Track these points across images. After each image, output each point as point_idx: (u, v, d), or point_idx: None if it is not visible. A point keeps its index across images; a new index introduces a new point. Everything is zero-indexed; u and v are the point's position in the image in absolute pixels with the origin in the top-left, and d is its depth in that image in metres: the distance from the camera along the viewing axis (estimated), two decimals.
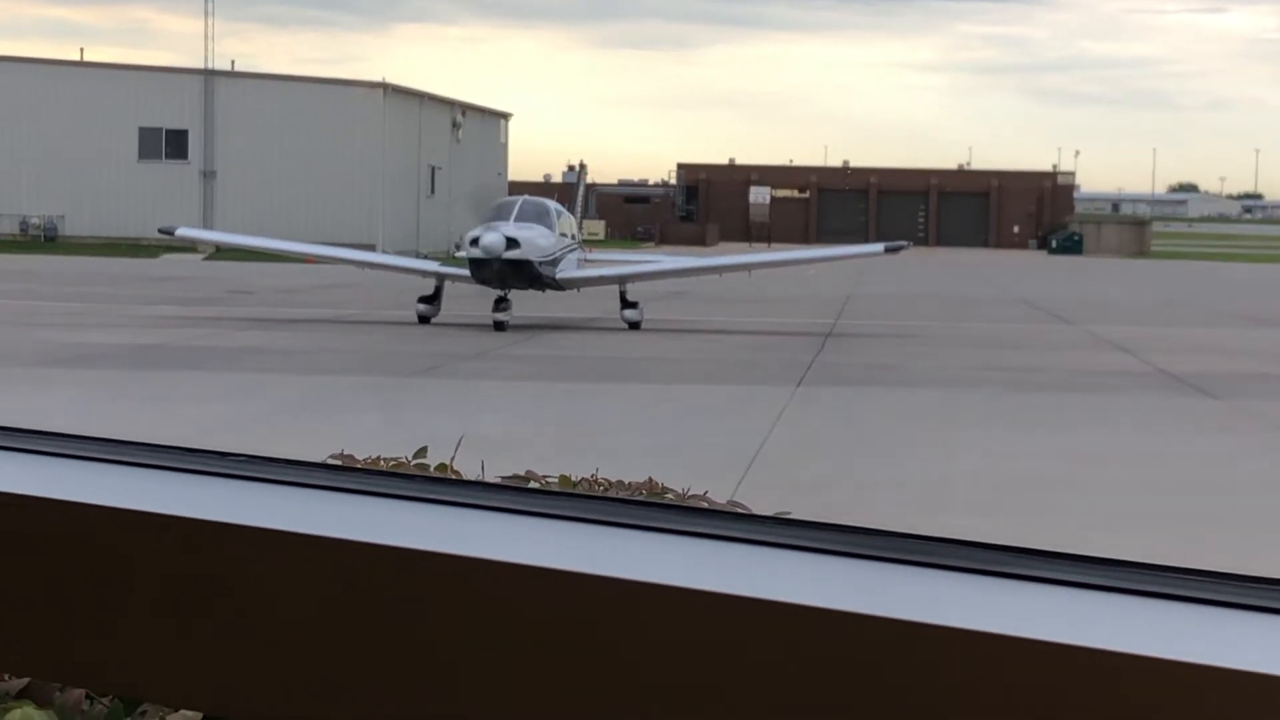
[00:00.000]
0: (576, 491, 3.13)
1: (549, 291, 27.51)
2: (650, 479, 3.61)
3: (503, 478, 3.45)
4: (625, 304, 26.72)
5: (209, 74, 62.41)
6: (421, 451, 3.75)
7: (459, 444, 3.78)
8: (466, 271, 26.76)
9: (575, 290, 28.24)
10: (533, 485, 3.32)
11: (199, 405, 16.21)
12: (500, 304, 25.75)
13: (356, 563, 1.14)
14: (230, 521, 1.20)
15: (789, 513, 3.47)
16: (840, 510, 10.25)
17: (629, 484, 3.50)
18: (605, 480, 3.51)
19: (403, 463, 3.66)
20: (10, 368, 19.11)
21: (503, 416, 15.24)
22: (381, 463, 3.58)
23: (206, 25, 64.83)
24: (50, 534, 1.27)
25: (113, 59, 68.83)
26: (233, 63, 67.05)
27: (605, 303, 27.47)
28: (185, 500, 1.26)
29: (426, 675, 1.11)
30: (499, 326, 25.31)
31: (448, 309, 26.57)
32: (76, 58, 65.81)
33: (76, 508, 1.27)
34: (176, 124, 61.96)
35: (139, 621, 1.23)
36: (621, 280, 27.75)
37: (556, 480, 3.42)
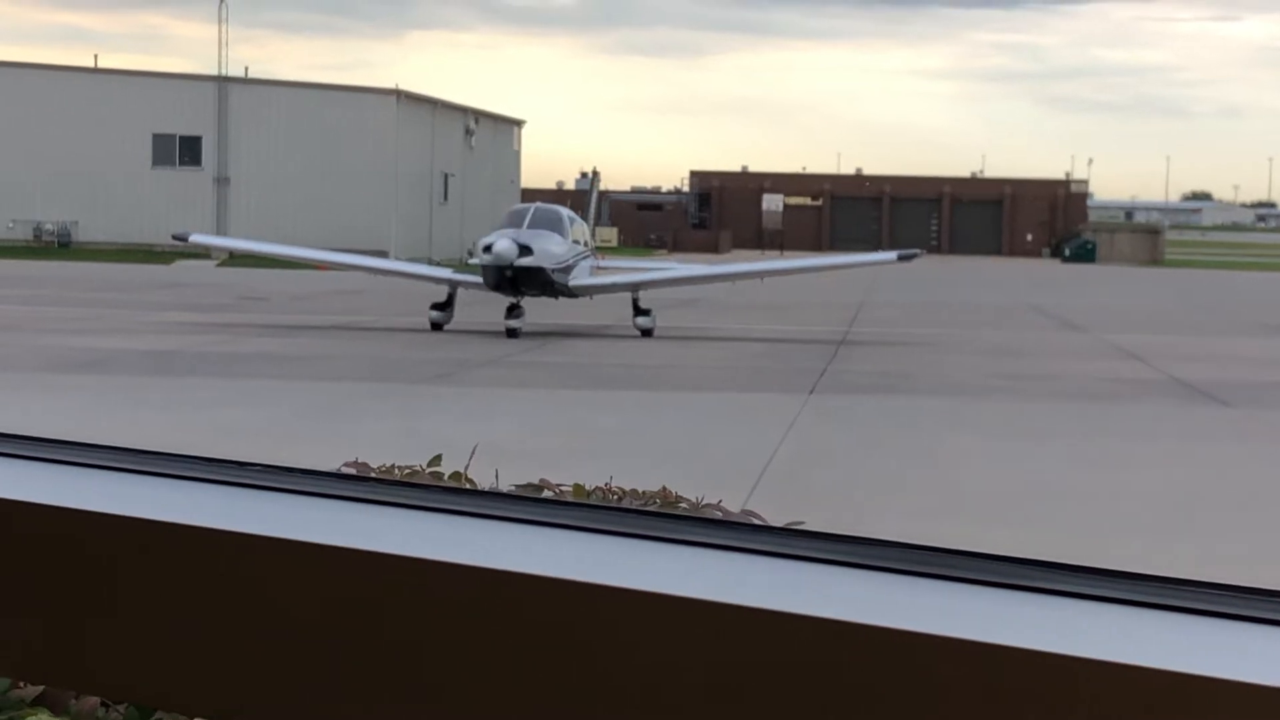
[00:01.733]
0: (590, 502, 3.14)
1: (561, 298, 27.52)
2: (664, 488, 3.61)
3: (516, 486, 3.45)
4: (638, 311, 26.73)
5: (222, 80, 62.51)
6: (436, 459, 3.75)
7: (473, 452, 3.79)
8: (479, 278, 26.79)
9: (588, 297, 28.25)
10: (546, 494, 3.32)
11: (212, 411, 16.23)
12: (513, 311, 25.78)
13: (371, 573, 1.15)
14: (246, 531, 1.21)
15: (802, 522, 3.48)
16: (852, 519, 10.25)
17: (643, 492, 3.50)
18: (619, 489, 3.51)
19: (417, 470, 3.66)
20: (24, 373, 19.14)
21: (515, 423, 15.24)
22: (396, 471, 3.58)
23: (220, 32, 65.05)
24: (65, 542, 1.27)
25: (127, 65, 69.03)
26: (246, 69, 67.05)
27: (618, 310, 27.47)
28: (202, 510, 1.26)
29: (440, 686, 1.12)
30: (512, 333, 25.33)
31: (460, 316, 26.59)
32: (90, 64, 65.94)
33: (92, 516, 1.27)
34: (190, 130, 62.05)
35: (154, 629, 1.24)
36: (634, 287, 27.75)
37: (570, 489, 3.42)
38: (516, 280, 26.06)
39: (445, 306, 26.64)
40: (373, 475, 3.45)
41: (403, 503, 1.31)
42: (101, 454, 1.43)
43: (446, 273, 29.56)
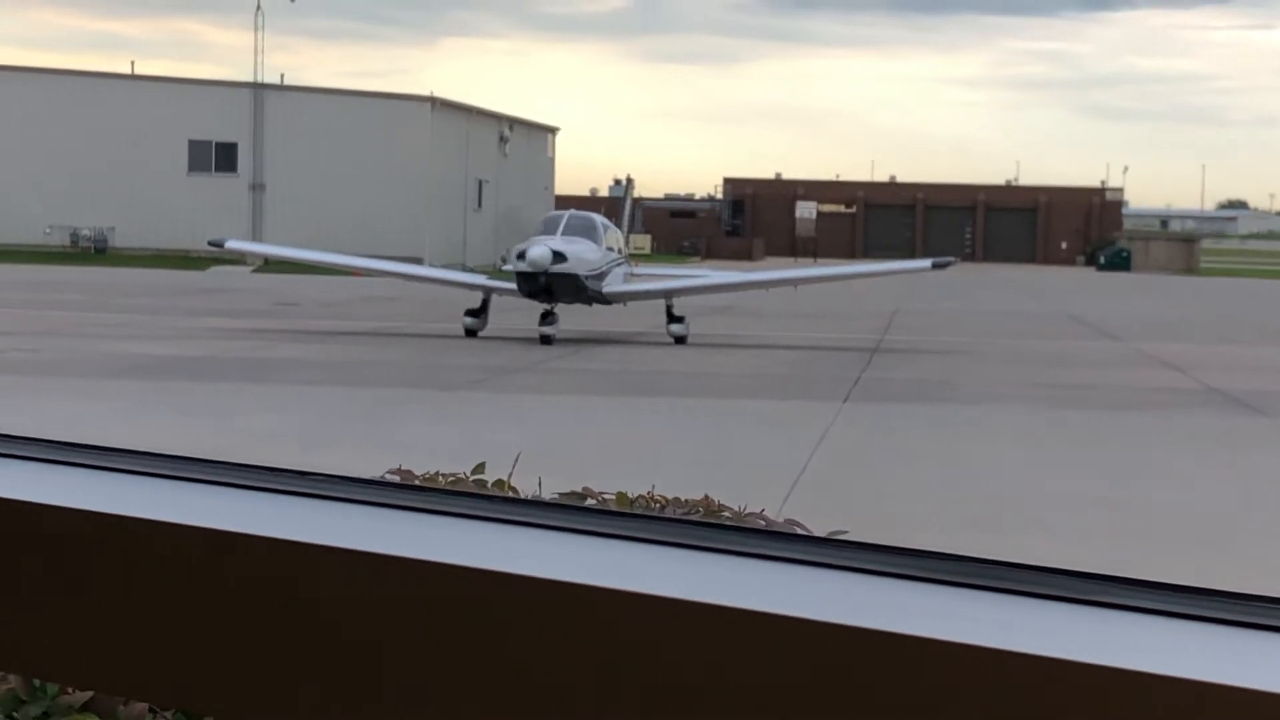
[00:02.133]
0: (633, 511, 3.15)
1: (595, 305, 27.53)
2: (706, 496, 3.61)
3: (560, 494, 3.46)
4: (671, 318, 26.73)
5: (258, 87, 62.75)
6: (480, 468, 3.76)
7: (516, 460, 3.80)
8: (513, 285, 26.83)
9: (621, 304, 28.26)
10: (590, 502, 3.33)
11: (246, 417, 16.28)
12: (547, 318, 25.80)
13: (421, 581, 1.16)
14: (296, 539, 1.22)
15: (845, 531, 3.48)
16: (886, 527, 10.23)
17: (685, 501, 3.50)
18: (662, 497, 3.51)
19: (461, 478, 3.67)
20: (60, 378, 19.24)
21: (552, 430, 15.26)
22: (440, 478, 3.59)
23: (256, 39, 65.26)
24: (114, 548, 1.29)
25: (163, 72, 69.31)
26: (282, 76, 67.39)
27: (651, 317, 27.48)
28: (254, 518, 1.27)
29: (486, 692, 1.13)
30: (545, 340, 25.35)
31: (494, 323, 26.63)
32: (127, 71, 66.27)
33: (143, 524, 1.28)
34: (226, 137, 62.30)
35: (202, 636, 1.25)
36: (668, 294, 27.76)
37: (614, 497, 3.42)
38: (550, 287, 26.09)
39: (479, 313, 26.68)
40: (417, 482, 3.48)
41: (448, 511, 1.32)
42: (149, 461, 1.44)
43: (480, 279, 29.63)
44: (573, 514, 1.31)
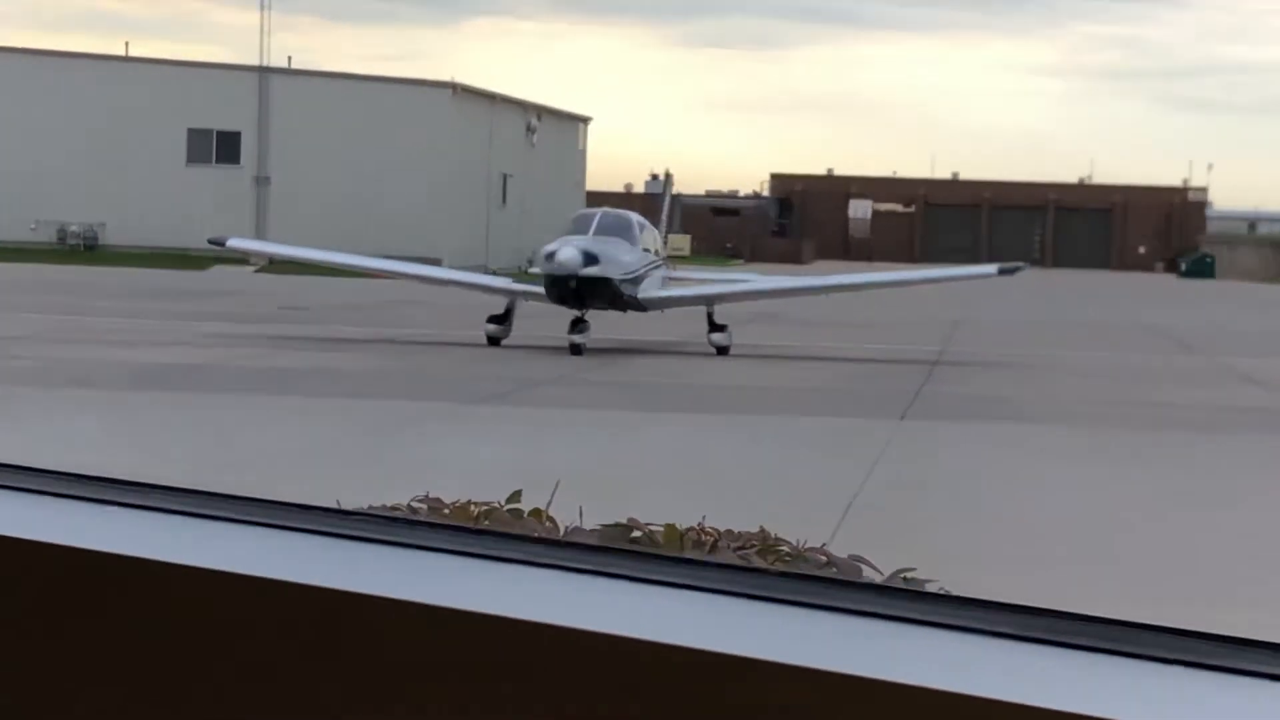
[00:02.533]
0: (691, 556, 3.16)
1: (630, 312, 27.51)
2: (762, 529, 3.61)
3: (603, 525, 3.47)
4: (712, 326, 26.70)
5: (264, 71, 62.90)
6: (515, 496, 3.77)
7: (555, 489, 3.82)
8: (541, 289, 26.82)
9: (659, 311, 28.23)
10: (635, 534, 3.34)
11: (250, 432, 16.34)
12: (577, 325, 25.76)
13: (468, 631, 1.18)
14: (350, 590, 1.25)
15: (912, 569, 3.49)
16: (947, 562, 10.21)
17: (739, 534, 3.50)
18: (714, 530, 3.51)
19: (495, 508, 3.69)
20: (47, 388, 19.32)
21: (584, 450, 15.26)
22: (472, 507, 3.61)
23: (262, 18, 65.42)
24: (154, 592, 1.32)
25: (160, 54, 69.48)
26: (289, 59, 67.41)
27: (690, 325, 27.47)
28: (286, 562, 1.30)
29: None
30: (575, 350, 25.30)
31: (520, 330, 26.62)
32: (121, 52, 66.54)
33: (189, 571, 1.32)
34: (228, 125, 62.47)
35: (235, 681, 1.28)
36: (709, 301, 27.74)
37: (661, 530, 3.43)
38: (581, 292, 26.05)
39: (503, 320, 26.64)
40: (446, 512, 3.48)
41: (486, 554, 1.33)
42: (202, 502, 1.47)
43: (505, 282, 29.61)
44: (619, 559, 1.33)
